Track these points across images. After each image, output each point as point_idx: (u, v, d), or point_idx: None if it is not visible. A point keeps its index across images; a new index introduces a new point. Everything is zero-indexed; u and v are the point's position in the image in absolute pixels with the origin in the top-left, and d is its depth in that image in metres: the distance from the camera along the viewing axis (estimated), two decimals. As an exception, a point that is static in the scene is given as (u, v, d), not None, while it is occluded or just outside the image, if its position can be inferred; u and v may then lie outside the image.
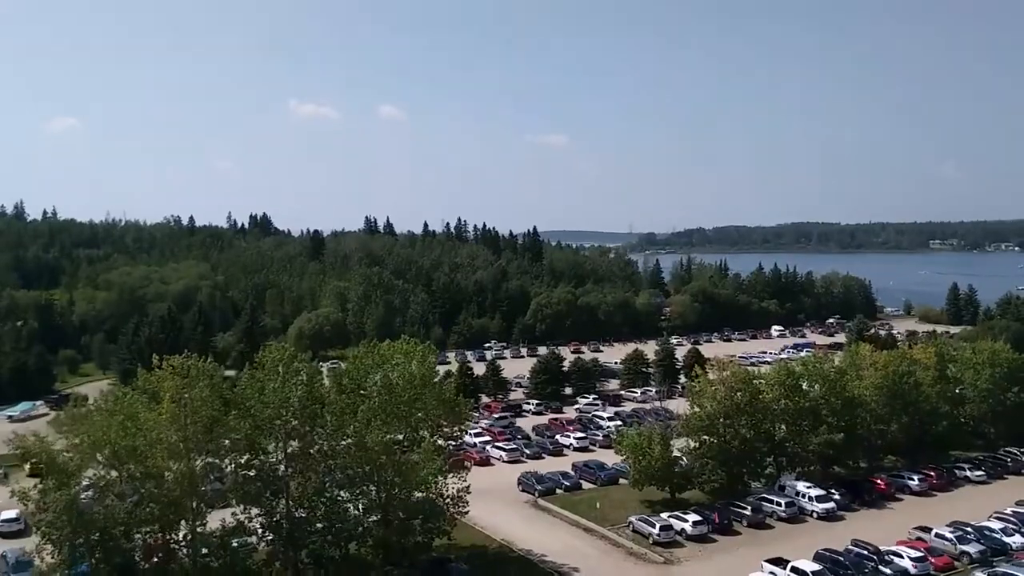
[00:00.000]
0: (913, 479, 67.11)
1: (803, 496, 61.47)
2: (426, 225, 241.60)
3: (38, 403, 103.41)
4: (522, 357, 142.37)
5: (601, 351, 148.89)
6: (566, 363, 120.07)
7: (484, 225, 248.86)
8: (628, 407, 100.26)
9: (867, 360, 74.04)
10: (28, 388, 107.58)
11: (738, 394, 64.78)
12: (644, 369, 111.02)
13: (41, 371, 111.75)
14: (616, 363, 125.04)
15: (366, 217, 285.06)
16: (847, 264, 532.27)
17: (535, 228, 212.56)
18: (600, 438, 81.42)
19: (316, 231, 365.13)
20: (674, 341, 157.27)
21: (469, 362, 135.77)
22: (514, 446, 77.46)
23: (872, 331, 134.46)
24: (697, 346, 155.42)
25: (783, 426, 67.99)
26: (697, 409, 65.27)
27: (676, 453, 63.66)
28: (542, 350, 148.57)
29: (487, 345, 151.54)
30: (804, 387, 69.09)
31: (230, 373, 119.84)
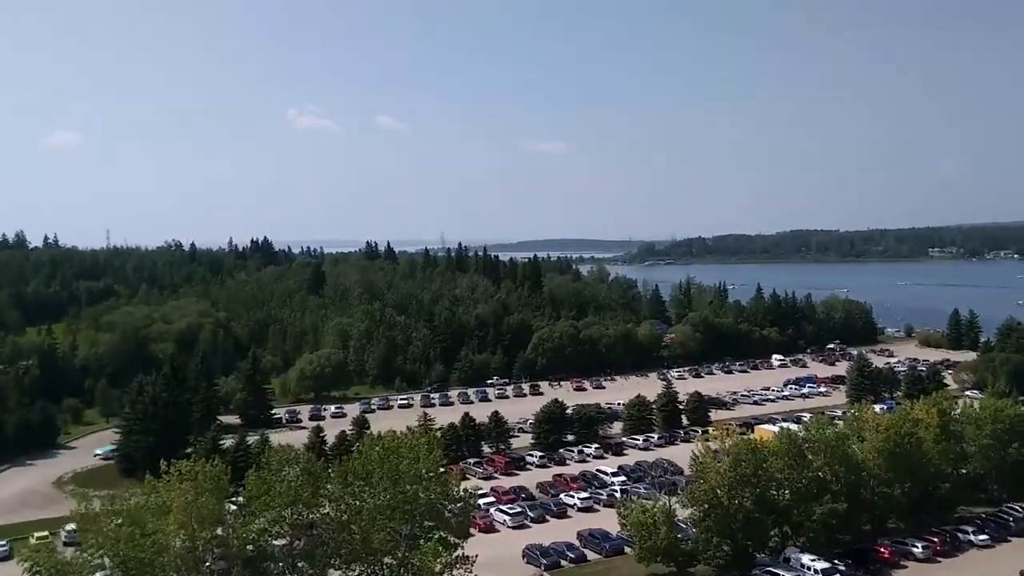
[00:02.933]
0: (916, 546, 67.14)
1: (808, 569, 61.52)
2: (427, 251, 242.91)
3: None
4: (524, 396, 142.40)
5: (603, 387, 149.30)
6: (569, 407, 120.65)
7: (484, 250, 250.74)
8: (631, 454, 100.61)
9: (870, 423, 74.21)
10: (33, 442, 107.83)
11: (742, 464, 64.96)
12: (647, 415, 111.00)
13: (45, 425, 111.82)
14: (619, 404, 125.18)
15: (367, 242, 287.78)
16: (846, 273, 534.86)
17: (535, 256, 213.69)
18: (604, 497, 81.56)
19: (316, 253, 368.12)
20: (675, 374, 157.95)
21: (472, 401, 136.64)
22: (518, 509, 77.59)
23: (872, 367, 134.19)
24: (699, 378, 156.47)
25: (787, 492, 68.12)
26: (701, 481, 65.34)
27: (680, 520, 63.81)
28: (544, 385, 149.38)
29: (489, 381, 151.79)
30: (808, 454, 69.21)
31: (232, 420, 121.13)
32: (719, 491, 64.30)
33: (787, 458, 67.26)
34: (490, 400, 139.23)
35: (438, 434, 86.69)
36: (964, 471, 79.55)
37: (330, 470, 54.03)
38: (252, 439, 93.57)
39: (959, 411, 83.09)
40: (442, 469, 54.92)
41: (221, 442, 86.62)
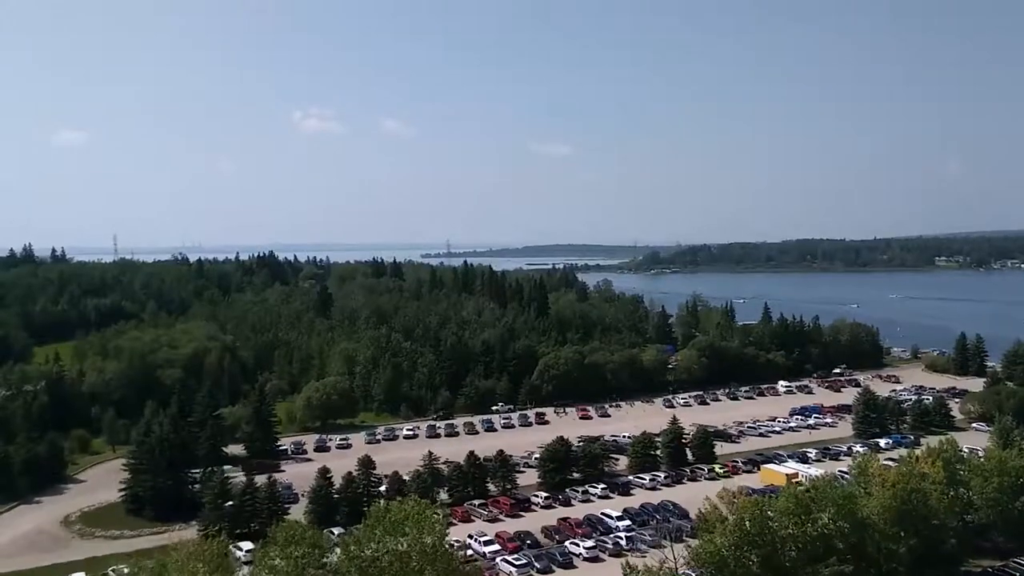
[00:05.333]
0: (923, 604, 67.17)
1: (813, 632, 61.52)
2: (434, 273, 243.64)
3: (227, 467, 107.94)
4: (530, 425, 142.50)
5: (608, 415, 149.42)
6: (574, 439, 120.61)
7: (490, 268, 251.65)
8: (637, 494, 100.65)
9: (876, 478, 74.18)
10: (41, 476, 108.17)
11: (747, 523, 65.03)
12: (652, 452, 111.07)
13: (53, 457, 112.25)
14: (624, 436, 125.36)
15: (373, 258, 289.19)
16: (851, 284, 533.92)
17: (541, 279, 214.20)
18: (609, 545, 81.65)
19: (322, 263, 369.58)
20: (680, 401, 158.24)
21: (477, 431, 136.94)
22: (524, 560, 77.60)
23: (878, 399, 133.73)
24: (704, 405, 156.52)
25: (792, 551, 68.08)
26: (706, 541, 65.35)
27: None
28: (550, 412, 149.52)
29: (494, 408, 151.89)
30: (814, 509, 69.16)
31: (238, 450, 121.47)
32: (724, 552, 64.38)
33: (793, 516, 67.36)
34: (496, 430, 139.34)
35: (446, 498, 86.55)
36: (969, 518, 79.65)
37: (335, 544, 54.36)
38: (259, 480, 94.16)
39: (965, 452, 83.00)
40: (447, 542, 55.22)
41: (228, 487, 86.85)
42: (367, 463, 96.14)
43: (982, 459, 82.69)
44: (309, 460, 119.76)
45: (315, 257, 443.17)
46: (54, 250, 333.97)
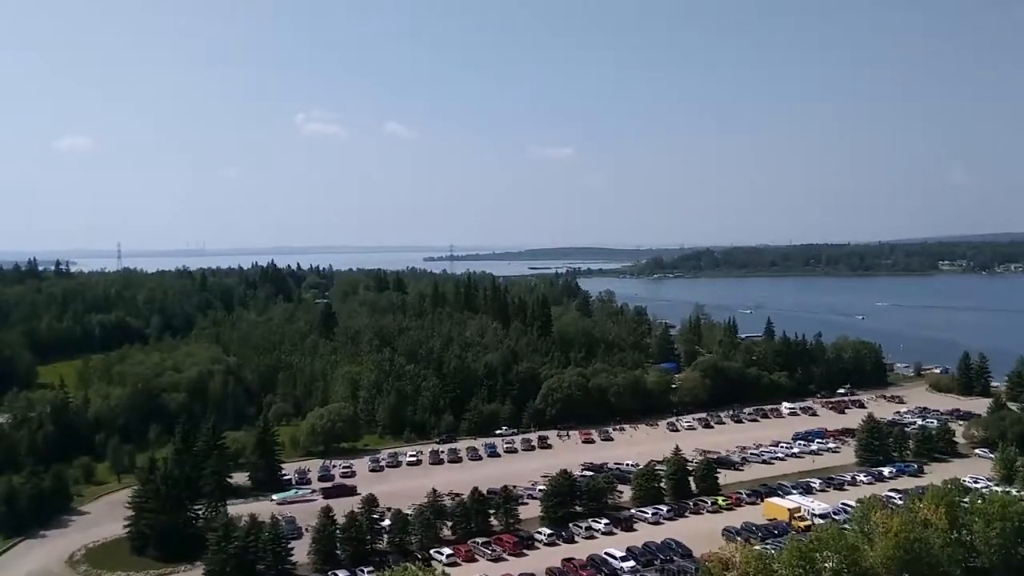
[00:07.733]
0: (927, 657, 67.16)
1: None
2: (436, 288, 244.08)
3: (301, 491, 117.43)
4: (533, 449, 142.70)
5: (612, 439, 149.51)
6: (578, 465, 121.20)
7: (493, 281, 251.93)
8: (640, 528, 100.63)
9: (879, 526, 74.25)
10: (46, 510, 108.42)
11: (750, 577, 65.19)
12: (656, 484, 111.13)
13: (58, 489, 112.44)
14: (628, 463, 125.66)
15: (377, 271, 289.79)
16: (853, 290, 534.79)
17: (545, 297, 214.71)
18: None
19: (324, 272, 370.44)
20: (684, 423, 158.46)
21: (481, 456, 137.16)
22: (528, 607, 77.81)
23: (882, 426, 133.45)
24: (708, 428, 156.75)
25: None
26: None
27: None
28: (552, 435, 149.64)
29: (497, 432, 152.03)
30: (818, 560, 69.30)
31: (242, 478, 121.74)
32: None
33: (797, 568, 67.52)
34: (499, 455, 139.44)
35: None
36: (972, 563, 79.64)
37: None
38: (263, 519, 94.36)
39: (968, 482, 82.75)
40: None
41: (233, 531, 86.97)
42: (370, 501, 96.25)
43: (985, 497, 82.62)
44: (313, 490, 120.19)
45: (318, 265, 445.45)
46: (58, 262, 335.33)
